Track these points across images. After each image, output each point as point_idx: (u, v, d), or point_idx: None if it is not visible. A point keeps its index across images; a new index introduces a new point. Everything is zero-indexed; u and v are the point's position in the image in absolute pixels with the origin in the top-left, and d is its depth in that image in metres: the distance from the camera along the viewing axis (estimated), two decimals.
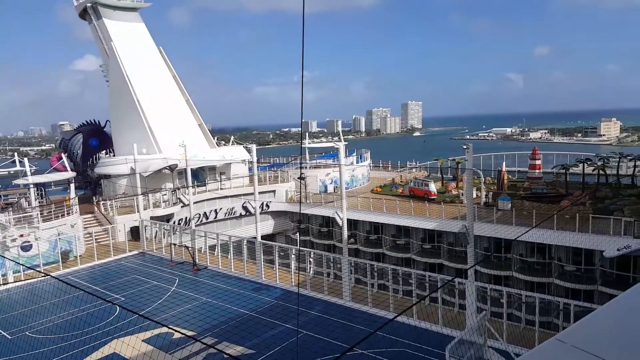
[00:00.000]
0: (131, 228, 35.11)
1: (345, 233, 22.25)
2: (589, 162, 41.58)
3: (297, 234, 37.63)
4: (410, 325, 14.44)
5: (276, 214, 45.69)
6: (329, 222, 41.43)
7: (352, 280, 22.07)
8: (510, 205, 34.31)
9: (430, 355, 15.36)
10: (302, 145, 46.57)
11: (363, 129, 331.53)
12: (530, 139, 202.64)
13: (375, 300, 20.42)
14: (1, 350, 18.21)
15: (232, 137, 56.90)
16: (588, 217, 28.87)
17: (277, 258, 25.37)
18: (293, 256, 24.88)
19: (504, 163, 47.54)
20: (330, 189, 48.03)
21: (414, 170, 58.82)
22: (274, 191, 45.71)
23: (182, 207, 38.95)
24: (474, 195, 27.53)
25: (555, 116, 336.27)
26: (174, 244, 30.35)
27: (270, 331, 18.55)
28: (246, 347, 17.09)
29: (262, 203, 42.55)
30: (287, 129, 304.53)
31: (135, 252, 32.12)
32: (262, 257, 25.72)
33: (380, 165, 63.35)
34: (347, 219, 22.80)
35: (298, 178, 43.63)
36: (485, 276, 31.40)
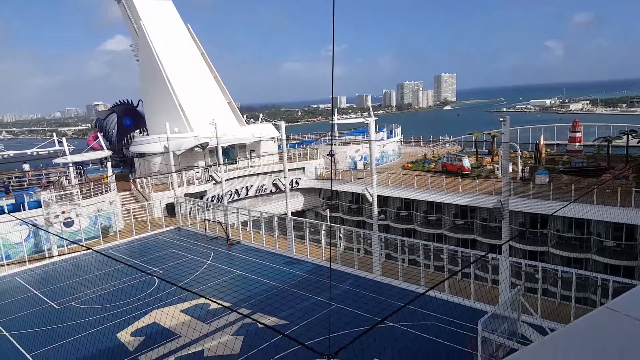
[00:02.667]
0: (167, 204, 36.10)
1: (376, 209, 22.19)
2: (633, 134, 39.68)
3: (328, 211, 37.79)
4: (442, 300, 14.43)
5: (306, 191, 45.94)
6: (358, 198, 41.41)
7: (382, 256, 22.11)
8: (547, 179, 33.32)
9: (462, 329, 15.34)
10: (332, 122, 46.17)
11: (394, 104, 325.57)
12: (571, 110, 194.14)
13: (406, 275, 20.43)
14: (50, 319, 19.29)
15: (261, 115, 57.11)
16: (631, 191, 27.75)
17: (307, 233, 25.64)
18: (323, 232, 25.08)
19: (542, 136, 45.95)
20: (360, 165, 47.78)
21: (446, 145, 57.67)
22: (303, 168, 45.83)
23: (214, 184, 39.66)
24: (510, 170, 26.88)
25: (598, 86, 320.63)
26: (208, 220, 31.07)
27: (303, 303, 18.90)
28: (279, 318, 17.50)
29: (292, 180, 42.85)
30: (315, 105, 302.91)
31: (172, 227, 33.10)
32: (292, 232, 26.04)
33: (412, 140, 62.35)
34: (377, 196, 22.70)
35: (328, 155, 43.58)
36: (519, 252, 30.87)
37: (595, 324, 3.23)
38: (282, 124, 28.87)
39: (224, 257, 26.17)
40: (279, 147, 45.56)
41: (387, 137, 52.93)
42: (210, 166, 40.87)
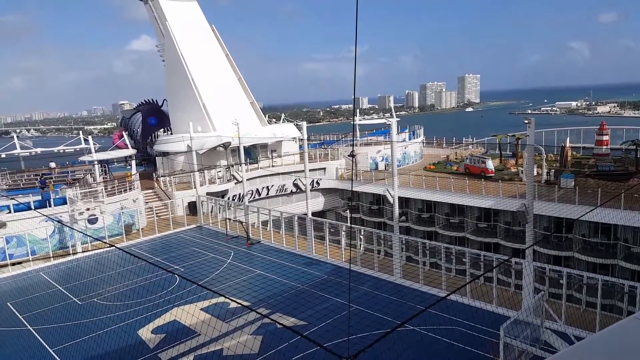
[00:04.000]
0: (189, 203, 36.51)
1: (397, 211, 21.99)
2: None
3: (348, 211, 37.63)
4: (464, 304, 14.18)
5: (326, 191, 45.90)
6: (379, 199, 41.13)
7: (403, 258, 21.89)
8: (573, 183, 32.50)
9: (484, 334, 15.04)
10: (354, 123, 46.06)
11: (416, 105, 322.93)
12: (598, 113, 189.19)
13: (426, 278, 20.17)
14: (73, 315, 19.69)
15: (283, 115, 57.28)
16: None
17: (327, 234, 25.59)
18: (343, 233, 24.96)
19: (568, 139, 44.87)
20: (381, 166, 47.50)
21: (470, 146, 56.85)
22: (324, 168, 45.80)
23: (235, 183, 39.97)
24: (535, 173, 26.30)
25: (626, 88, 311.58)
26: (229, 219, 31.31)
27: (322, 304, 18.84)
28: (298, 319, 17.48)
29: (313, 180, 42.89)
30: (337, 106, 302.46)
31: (193, 225, 33.46)
32: (312, 233, 26.01)
33: (434, 141, 61.64)
34: (399, 197, 22.48)
35: (349, 155, 43.36)
36: (543, 256, 30.16)
37: (623, 334, 3.09)
38: (304, 124, 28.88)
39: (244, 256, 26.31)
40: (300, 147, 45.66)
41: (409, 139, 52.48)
42: (232, 165, 41.19)
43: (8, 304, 21.49)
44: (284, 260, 25.13)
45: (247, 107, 48.30)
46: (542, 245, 30.30)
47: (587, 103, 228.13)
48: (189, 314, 17.93)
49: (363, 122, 60.07)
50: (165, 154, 45.73)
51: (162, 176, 42.08)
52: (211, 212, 35.17)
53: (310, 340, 5.28)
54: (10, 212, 28.30)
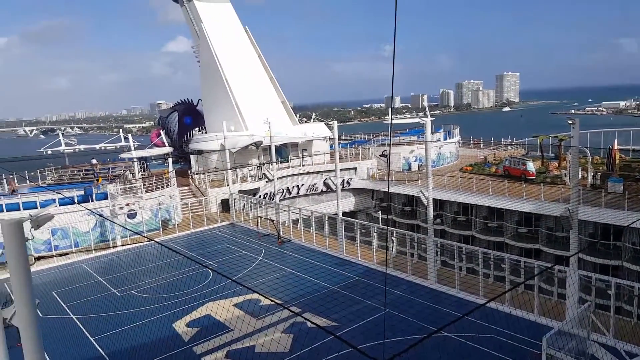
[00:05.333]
0: (222, 200, 37.04)
1: (431, 213, 21.51)
2: None
3: (380, 212, 37.14)
4: (503, 312, 13.65)
5: (357, 192, 45.56)
6: (412, 201, 40.45)
7: (437, 262, 21.38)
8: (622, 187, 30.93)
9: (524, 344, 14.46)
10: (387, 122, 45.41)
11: (452, 104, 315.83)
12: None
13: (463, 284, 19.61)
14: (112, 306, 20.28)
15: (314, 114, 57.19)
16: None
17: (358, 235, 25.34)
18: (375, 234, 24.65)
19: (616, 141, 42.80)
20: (414, 166, 46.75)
21: (509, 147, 55.19)
22: (355, 168, 45.46)
23: (266, 182, 40.24)
24: (579, 176, 25.22)
25: None
26: (260, 217, 31.53)
27: (354, 306, 18.63)
28: (330, 320, 17.35)
29: (343, 180, 42.60)
30: (368, 105, 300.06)
31: (226, 222, 33.91)
32: (343, 233, 25.83)
33: (471, 142, 60.10)
34: (433, 199, 21.98)
35: (380, 155, 42.89)
36: (589, 265, 28.82)
37: None
38: (335, 124, 28.75)
39: (275, 254, 26.42)
40: (331, 146, 45.52)
41: (444, 139, 51.39)
42: (264, 164, 41.51)
43: (53, 292, 22.33)
44: (314, 259, 25.04)
45: (279, 107, 48.61)
46: (587, 253, 28.94)
47: (637, 103, 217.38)
48: (222, 309, 18.05)
49: (396, 121, 59.21)
50: (199, 152, 46.54)
51: (196, 174, 42.84)
52: (243, 209, 35.53)
53: (343, 342, 5.13)
54: (55, 205, 29.41)
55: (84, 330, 18.28)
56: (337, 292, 20.31)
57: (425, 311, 17.57)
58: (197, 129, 55.50)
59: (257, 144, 43.07)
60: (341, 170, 30.81)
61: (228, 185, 36.92)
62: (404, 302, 18.74)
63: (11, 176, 39.38)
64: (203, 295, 20.14)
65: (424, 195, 21.15)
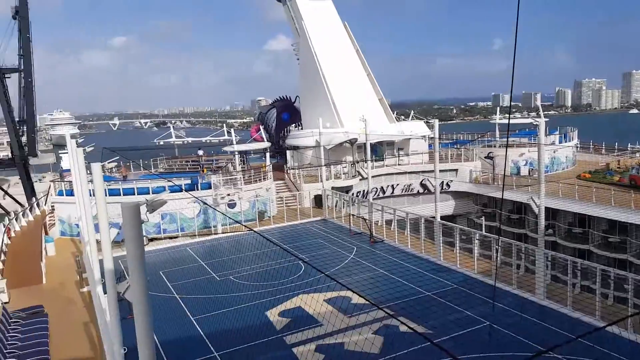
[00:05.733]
0: (315, 196, 37.67)
1: (542, 222, 19.77)
2: None
3: (483, 218, 35.18)
4: (624, 339, 12.04)
5: (457, 195, 43.61)
6: (521, 208, 37.60)
7: (547, 276, 19.62)
8: None
9: None
10: (494, 122, 42.79)
11: (569, 104, 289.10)
12: None
13: (576, 303, 17.66)
14: (212, 289, 21.54)
15: (412, 112, 55.82)
16: None
17: (457, 241, 24.15)
18: (476, 241, 23.32)
19: None
20: (524, 171, 43.57)
21: (637, 154, 49.35)
22: (456, 170, 43.55)
23: (360, 180, 40.13)
24: None
25: None
26: (353, 215, 31.51)
27: (451, 315, 17.76)
28: (424, 327, 16.74)
29: (442, 182, 41.06)
30: (473, 103, 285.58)
31: (318, 218, 34.39)
32: (441, 237, 24.81)
33: (591, 146, 54.57)
34: (545, 207, 20.22)
35: (486, 157, 40.61)
36: None
37: None
38: (436, 122, 27.78)
39: (367, 253, 26.19)
40: (430, 146, 44.13)
41: (560, 142, 47.29)
42: (358, 162, 41.45)
43: (160, 272, 24.29)
44: (408, 262, 24.37)
45: (375, 104, 48.09)
46: None
47: None
48: (313, 302, 18.26)
49: (504, 121, 55.56)
50: (295, 148, 47.76)
51: (292, 169, 44.04)
52: (335, 206, 35.78)
53: (442, 349, 4.75)
54: (167, 192, 32.01)
55: (186, 310, 19.59)
56: (432, 298, 19.47)
57: (532, 328, 16.17)
58: (293, 125, 57.07)
59: (352, 142, 43.16)
60: (441, 171, 29.73)
61: (322, 181, 37.45)
62: (508, 316, 17.40)
63: (127, 164, 43.59)
64: (295, 287, 20.54)
65: (534, 202, 19.56)
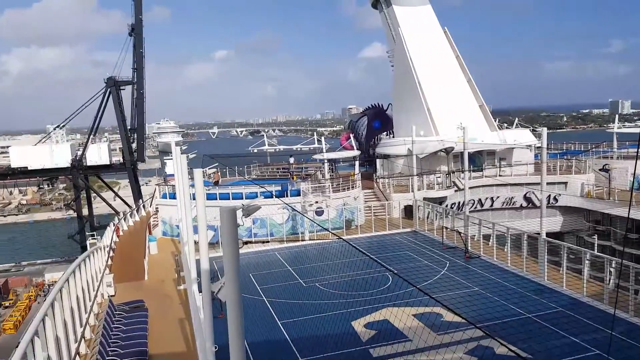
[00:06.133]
0: (405, 206, 36.50)
1: None
2: None
3: (596, 237, 31.55)
4: None
5: (566, 210, 39.81)
6: None
7: None
8: None
9: None
10: (611, 130, 38.21)
11: None
12: None
13: None
14: (298, 294, 21.53)
15: (516, 120, 52.45)
16: None
17: (565, 260, 21.80)
18: (587, 262, 20.84)
19: None
20: None
21: None
22: (565, 183, 39.85)
23: (455, 191, 38.19)
24: None
25: None
26: (446, 228, 29.93)
27: (555, 341, 15.98)
28: (524, 350, 15.11)
29: (550, 195, 37.73)
30: (586, 110, 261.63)
31: (408, 229, 33.18)
32: (546, 256, 22.54)
33: None
34: None
35: (601, 170, 36.52)
36: None
37: None
38: (544, 130, 25.53)
39: (461, 269, 24.59)
40: (537, 156, 40.92)
41: None
42: (454, 172, 39.54)
43: (250, 274, 24.86)
44: (507, 281, 22.43)
45: (475, 111, 45.68)
46: None
47: None
48: (401, 316, 17.42)
49: (624, 130, 49.99)
50: (386, 157, 46.91)
51: (381, 178, 43.23)
52: (427, 217, 34.30)
53: None
54: (259, 198, 32.96)
55: (273, 313, 19.72)
56: (533, 321, 17.76)
57: None
58: (385, 133, 56.30)
59: (448, 150, 41.32)
60: (548, 183, 27.26)
61: (413, 191, 36.23)
62: (624, 347, 15.24)
63: (217, 171, 45.64)
64: (382, 299, 19.77)
65: None
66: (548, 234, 25.71)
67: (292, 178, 38.79)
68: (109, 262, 25.59)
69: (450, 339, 15.97)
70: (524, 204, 40.42)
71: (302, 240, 31.41)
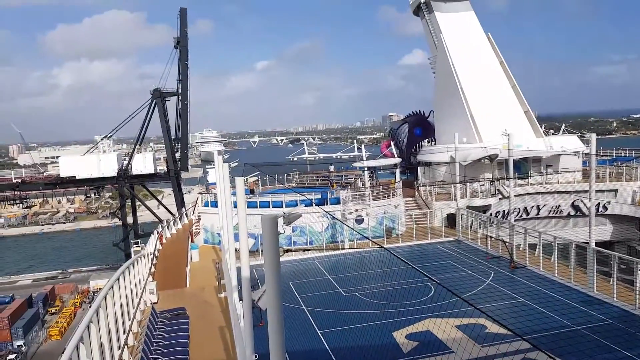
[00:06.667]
0: (447, 215, 35.75)
1: None
2: None
3: None
4: None
5: (616, 219, 38.07)
6: None
7: None
8: None
9: None
10: None
11: None
12: None
13: None
14: (338, 304, 21.41)
15: (563, 125, 50.57)
16: None
17: (615, 271, 20.71)
18: (639, 272, 19.74)
19: None
20: None
21: None
22: (615, 190, 38.14)
23: (500, 199, 37.11)
24: None
25: None
26: (490, 237, 29.05)
27: (605, 354, 15.29)
28: None
29: (599, 203, 36.05)
30: (637, 115, 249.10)
31: (451, 238, 32.47)
32: (595, 266, 21.50)
33: None
34: None
35: None
36: None
37: None
38: (592, 136, 24.44)
39: (506, 279, 23.77)
40: (585, 162, 39.30)
41: None
42: (498, 179, 38.46)
43: (290, 283, 24.98)
44: (554, 292, 21.54)
45: (520, 117, 44.49)
46: None
47: None
48: (443, 327, 17.05)
49: None
50: (427, 164, 46.22)
51: (423, 185, 42.58)
52: (470, 226, 33.42)
53: None
54: (301, 206, 33.20)
55: (313, 322, 19.69)
56: (582, 334, 17.01)
57: None
58: (426, 140, 55.51)
59: (492, 157, 40.27)
60: (597, 191, 26.07)
61: (455, 199, 35.49)
62: None
63: (259, 179, 46.14)
64: (424, 309, 19.46)
65: None
66: (597, 244, 24.54)
67: (332, 186, 38.85)
68: (152, 269, 26.19)
69: (496, 351, 15.44)
70: (572, 212, 38.91)
71: (342, 249, 31.29)
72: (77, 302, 59.44)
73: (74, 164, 67.13)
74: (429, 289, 21.65)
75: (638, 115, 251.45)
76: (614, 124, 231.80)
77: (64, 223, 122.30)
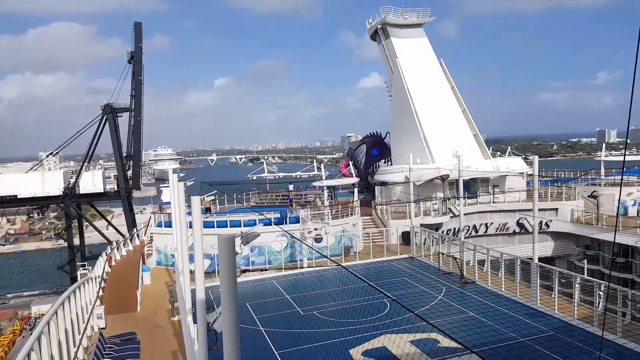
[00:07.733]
0: (402, 233, 36.73)
1: None
2: None
3: (585, 261, 32.06)
4: None
5: (557, 235, 40.28)
6: (627, 251, 33.85)
7: None
8: None
9: None
10: (599, 159, 39.50)
11: None
12: None
13: None
14: (295, 323, 21.52)
15: (509, 148, 53.33)
16: None
17: (556, 284, 22.09)
18: (577, 285, 21.19)
19: None
20: (632, 211, 39.32)
21: None
22: (556, 209, 40.48)
23: (451, 217, 38.53)
24: None
25: None
26: (442, 253, 30.14)
27: None
28: None
29: (542, 221, 38.19)
30: (575, 139, 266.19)
31: (405, 255, 33.37)
32: (538, 280, 22.82)
33: None
34: None
35: (589, 196, 37.21)
36: None
37: None
38: (535, 159, 26.16)
39: (456, 294, 24.74)
40: (529, 183, 41.58)
41: None
42: (449, 198, 40.00)
43: (247, 304, 24.83)
44: (501, 306, 22.63)
45: (470, 140, 46.64)
46: None
47: None
48: (398, 343, 17.52)
49: (611, 158, 51.05)
50: (384, 184, 47.39)
51: (379, 204, 43.59)
52: (424, 244, 34.51)
53: None
54: (259, 225, 33.22)
55: (270, 343, 19.66)
56: (527, 345, 17.96)
57: None
58: (383, 160, 56.93)
59: (444, 178, 41.90)
60: (539, 210, 27.70)
61: (410, 217, 36.54)
62: None
63: (217, 197, 45.57)
64: (380, 326, 19.90)
65: None
66: (540, 259, 26.01)
67: (292, 205, 39.14)
68: (100, 293, 25.30)
69: None
70: (517, 229, 40.83)
71: (301, 268, 31.47)
72: (16, 330, 55.43)
73: (15, 181, 63.40)
74: (384, 305, 22.18)
75: (576, 139, 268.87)
76: (555, 147, 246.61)
77: (3, 245, 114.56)
